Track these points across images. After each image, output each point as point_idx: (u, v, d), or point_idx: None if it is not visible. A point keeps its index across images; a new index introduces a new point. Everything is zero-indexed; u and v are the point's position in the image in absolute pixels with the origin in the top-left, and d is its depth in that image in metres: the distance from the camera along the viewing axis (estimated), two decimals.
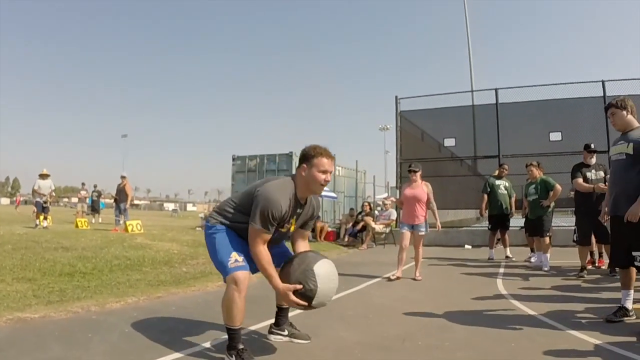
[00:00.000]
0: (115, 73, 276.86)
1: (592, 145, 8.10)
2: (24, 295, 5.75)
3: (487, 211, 11.82)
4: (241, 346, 3.63)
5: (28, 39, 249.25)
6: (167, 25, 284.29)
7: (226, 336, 3.75)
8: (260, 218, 3.53)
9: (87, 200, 25.25)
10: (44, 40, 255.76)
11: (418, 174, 8.26)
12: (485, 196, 11.30)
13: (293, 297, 3.55)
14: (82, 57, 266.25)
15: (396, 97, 17.53)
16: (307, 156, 3.73)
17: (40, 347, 3.95)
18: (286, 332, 4.21)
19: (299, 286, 3.53)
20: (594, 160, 8.04)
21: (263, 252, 3.60)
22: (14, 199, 49.23)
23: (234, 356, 3.58)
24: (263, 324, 4.70)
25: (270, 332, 4.26)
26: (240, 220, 3.75)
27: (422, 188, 8.21)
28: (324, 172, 3.69)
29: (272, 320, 4.37)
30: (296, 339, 4.17)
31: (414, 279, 8.00)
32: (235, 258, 3.67)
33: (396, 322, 5.01)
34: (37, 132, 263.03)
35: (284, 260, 3.86)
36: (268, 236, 3.62)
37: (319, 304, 3.64)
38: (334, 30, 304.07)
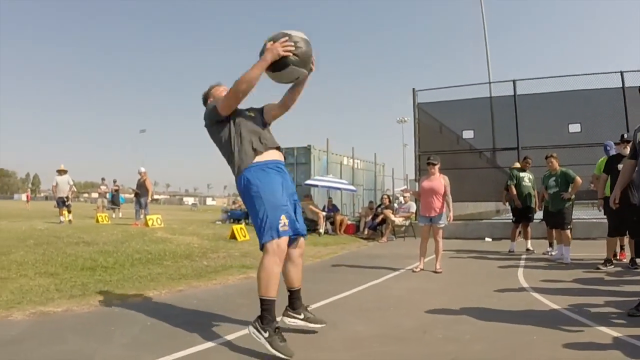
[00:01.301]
0: (133, 68, 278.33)
1: (625, 135, 8.03)
2: (47, 290, 5.88)
3: (507, 203, 11.83)
4: (277, 323, 3.70)
5: (47, 38, 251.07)
6: (183, 21, 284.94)
7: (246, 330, 3.83)
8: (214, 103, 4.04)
9: (107, 195, 25.49)
10: (62, 39, 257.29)
11: (437, 167, 8.32)
12: (513, 187, 11.23)
13: (278, 46, 3.64)
14: (100, 54, 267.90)
15: (413, 89, 17.51)
16: (208, 92, 4.44)
17: (61, 339, 4.03)
18: (302, 316, 4.20)
19: (284, 38, 3.66)
20: (627, 151, 7.97)
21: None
22: (27, 194, 49.63)
23: (268, 332, 3.59)
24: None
25: (286, 316, 4.20)
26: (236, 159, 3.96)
27: (439, 180, 8.25)
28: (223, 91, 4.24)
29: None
30: (312, 324, 4.17)
31: (435, 272, 8.01)
32: (285, 221, 3.80)
33: (415, 315, 5.00)
34: (57, 129, 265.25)
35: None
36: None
37: (303, 54, 3.77)
38: (348, 24, 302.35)
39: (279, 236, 3.71)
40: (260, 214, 3.75)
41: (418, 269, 8.18)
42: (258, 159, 3.89)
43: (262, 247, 3.76)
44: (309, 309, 4.37)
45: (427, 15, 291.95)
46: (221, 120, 4.00)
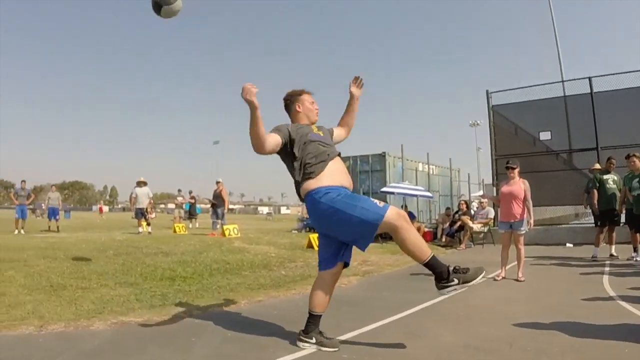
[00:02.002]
0: (206, 78, 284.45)
1: None
2: (127, 300, 5.93)
3: (588, 207, 11.45)
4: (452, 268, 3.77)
5: (127, 50, 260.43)
6: (261, 26, 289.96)
7: (328, 348, 3.90)
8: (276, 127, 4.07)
9: (184, 206, 25.99)
10: (141, 50, 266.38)
11: (516, 171, 8.06)
12: (596, 191, 10.78)
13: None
14: (173, 64, 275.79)
15: (487, 91, 17.17)
16: (295, 96, 4.40)
17: (143, 350, 4.00)
18: (314, 340, 4.03)
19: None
20: None
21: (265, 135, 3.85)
22: (100, 206, 51.40)
23: (459, 279, 3.72)
24: (368, 328, 4.62)
25: (298, 340, 4.10)
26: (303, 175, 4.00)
27: (519, 185, 8.00)
28: (313, 102, 4.42)
29: (374, 325, 4.43)
30: (324, 347, 3.98)
31: (517, 280, 7.74)
32: (377, 201, 3.81)
33: (501, 325, 4.80)
34: (133, 141, 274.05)
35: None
36: (277, 137, 3.96)
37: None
38: (415, 24, 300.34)
39: (385, 209, 3.66)
40: (356, 212, 3.67)
41: (500, 278, 7.95)
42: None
43: (380, 227, 3.65)
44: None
45: (491, 13, 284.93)
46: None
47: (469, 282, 3.71)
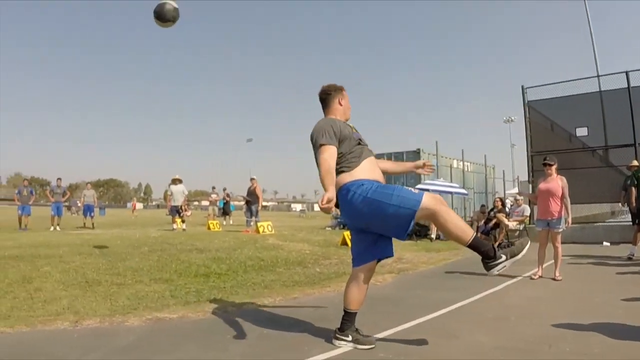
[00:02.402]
0: (239, 76, 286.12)
1: None
2: (162, 296, 5.96)
3: (626, 205, 11.20)
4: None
5: (157, 52, 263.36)
6: (293, 24, 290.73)
7: (365, 346, 3.86)
8: (322, 135, 3.87)
9: (218, 203, 26.10)
10: (171, 49, 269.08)
11: (553, 167, 7.92)
12: (634, 189, 10.51)
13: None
14: (209, 63, 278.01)
15: (522, 86, 16.88)
16: (338, 90, 4.34)
17: (177, 347, 3.99)
18: (350, 338, 3.97)
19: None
20: None
21: (328, 160, 3.76)
22: (133, 203, 51.93)
23: (507, 254, 3.66)
24: (403, 327, 4.55)
25: (334, 338, 4.04)
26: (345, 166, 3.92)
27: (556, 182, 7.84)
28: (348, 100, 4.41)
29: (410, 324, 4.44)
30: (360, 345, 3.91)
31: (554, 279, 7.59)
32: (412, 189, 3.77)
33: (538, 326, 4.68)
34: (167, 139, 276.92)
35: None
36: (334, 148, 3.85)
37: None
38: (445, 24, 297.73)
39: (420, 195, 3.62)
40: (392, 200, 3.62)
41: (536, 277, 7.80)
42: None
43: (419, 214, 3.58)
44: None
45: (525, 8, 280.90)
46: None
47: (517, 255, 3.67)
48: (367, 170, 3.91)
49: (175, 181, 18.36)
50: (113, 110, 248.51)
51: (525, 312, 5.43)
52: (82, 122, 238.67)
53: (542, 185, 7.97)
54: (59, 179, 19.67)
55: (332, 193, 3.47)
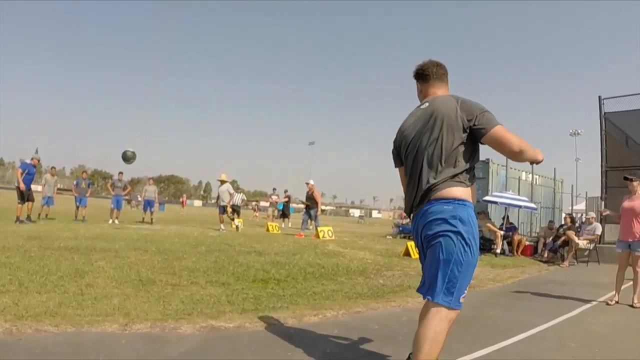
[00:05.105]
0: (305, 78, 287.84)
1: None
2: (218, 301, 5.71)
3: None
4: None
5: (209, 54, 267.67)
6: (344, 26, 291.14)
7: None
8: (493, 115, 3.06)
9: (278, 205, 26.06)
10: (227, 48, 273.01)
11: (636, 183, 7.34)
12: None
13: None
14: (273, 62, 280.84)
15: (599, 97, 16.16)
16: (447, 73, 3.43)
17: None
18: None
19: None
20: None
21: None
22: (183, 199, 52.72)
23: None
24: (480, 353, 4.25)
25: None
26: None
27: None
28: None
29: (487, 350, 4.21)
30: None
31: (632, 306, 7.14)
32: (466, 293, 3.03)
33: (621, 355, 4.47)
34: (230, 138, 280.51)
35: None
36: None
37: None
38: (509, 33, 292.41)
39: (460, 307, 2.98)
40: (462, 269, 2.95)
41: (612, 302, 7.36)
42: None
43: (445, 311, 2.96)
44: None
45: (595, 17, 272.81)
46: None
47: None
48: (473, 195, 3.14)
49: (222, 182, 18.60)
50: (180, 108, 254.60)
51: (608, 340, 5.22)
52: (147, 119, 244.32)
53: (627, 204, 7.40)
54: (121, 172, 20.13)
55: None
